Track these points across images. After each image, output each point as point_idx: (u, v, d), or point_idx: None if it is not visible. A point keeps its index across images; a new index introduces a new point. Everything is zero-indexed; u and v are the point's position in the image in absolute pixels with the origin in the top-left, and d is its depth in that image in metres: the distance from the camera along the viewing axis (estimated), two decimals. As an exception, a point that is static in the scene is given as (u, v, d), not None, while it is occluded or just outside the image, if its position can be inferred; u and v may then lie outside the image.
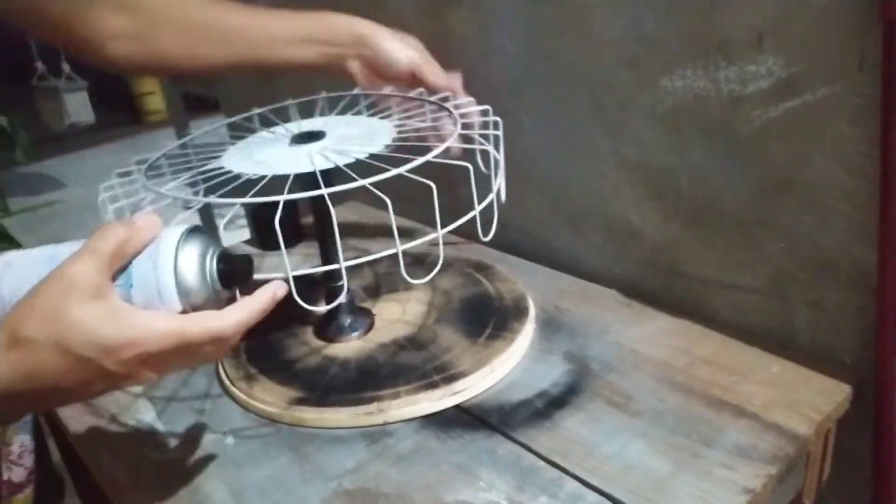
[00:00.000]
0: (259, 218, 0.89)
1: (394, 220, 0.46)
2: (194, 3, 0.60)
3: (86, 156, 3.49)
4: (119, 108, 3.85)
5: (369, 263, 0.79)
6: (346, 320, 0.65)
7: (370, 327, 0.66)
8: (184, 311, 0.39)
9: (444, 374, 0.57)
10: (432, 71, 0.64)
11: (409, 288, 0.72)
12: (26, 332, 0.35)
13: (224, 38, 0.59)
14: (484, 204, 0.52)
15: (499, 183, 0.55)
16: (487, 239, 0.53)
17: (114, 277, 0.38)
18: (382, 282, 0.75)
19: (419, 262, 0.78)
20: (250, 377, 0.60)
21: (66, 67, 3.37)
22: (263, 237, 0.89)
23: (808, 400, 0.53)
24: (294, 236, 0.89)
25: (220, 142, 0.62)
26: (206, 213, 2.01)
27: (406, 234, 0.86)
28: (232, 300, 0.42)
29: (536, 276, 0.75)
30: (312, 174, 0.50)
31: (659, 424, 0.52)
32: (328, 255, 0.62)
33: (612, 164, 0.69)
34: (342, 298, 0.60)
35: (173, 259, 0.38)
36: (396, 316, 0.67)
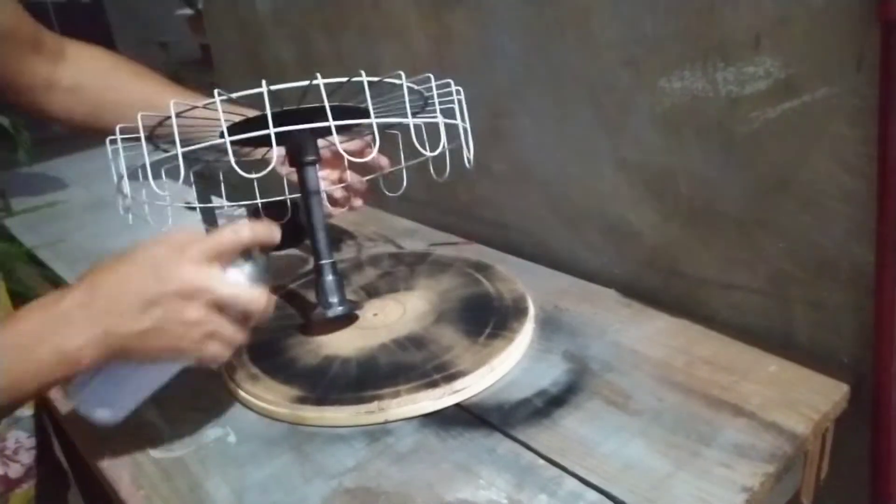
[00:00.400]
0: (259, 217, 0.89)
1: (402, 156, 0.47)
2: (128, 79, 0.68)
3: (88, 156, 3.48)
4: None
5: (370, 263, 0.79)
6: (332, 298, 0.64)
7: (353, 315, 0.66)
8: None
9: (444, 373, 0.57)
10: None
11: (409, 288, 0.73)
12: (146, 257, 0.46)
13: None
14: (437, 152, 0.54)
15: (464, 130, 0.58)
16: (443, 179, 0.55)
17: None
18: (383, 282, 0.75)
19: (421, 261, 0.78)
20: (252, 376, 0.60)
21: (67, 68, 3.37)
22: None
23: (807, 399, 0.53)
24: (294, 237, 0.90)
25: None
26: (209, 213, 2.01)
27: (406, 234, 0.86)
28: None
29: (536, 275, 0.75)
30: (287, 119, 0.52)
31: (658, 423, 0.52)
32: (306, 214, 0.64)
33: (612, 165, 0.69)
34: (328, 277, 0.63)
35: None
36: (397, 315, 0.68)
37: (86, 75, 0.67)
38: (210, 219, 1.22)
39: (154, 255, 0.46)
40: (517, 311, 0.66)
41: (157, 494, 0.50)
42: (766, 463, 0.47)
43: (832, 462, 0.59)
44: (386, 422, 0.55)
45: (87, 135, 0.70)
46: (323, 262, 0.63)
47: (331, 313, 0.63)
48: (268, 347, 0.65)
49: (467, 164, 0.58)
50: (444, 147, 0.55)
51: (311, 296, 0.71)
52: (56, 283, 2.11)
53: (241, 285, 0.48)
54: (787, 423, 0.51)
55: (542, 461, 0.50)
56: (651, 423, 0.52)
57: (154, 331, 0.44)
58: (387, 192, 0.53)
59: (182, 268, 0.45)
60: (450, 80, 0.59)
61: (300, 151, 0.60)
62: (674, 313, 0.66)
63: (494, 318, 0.65)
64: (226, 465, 0.53)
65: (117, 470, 0.53)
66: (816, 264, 0.57)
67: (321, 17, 1.00)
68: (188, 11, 2.40)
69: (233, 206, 0.48)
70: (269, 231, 0.49)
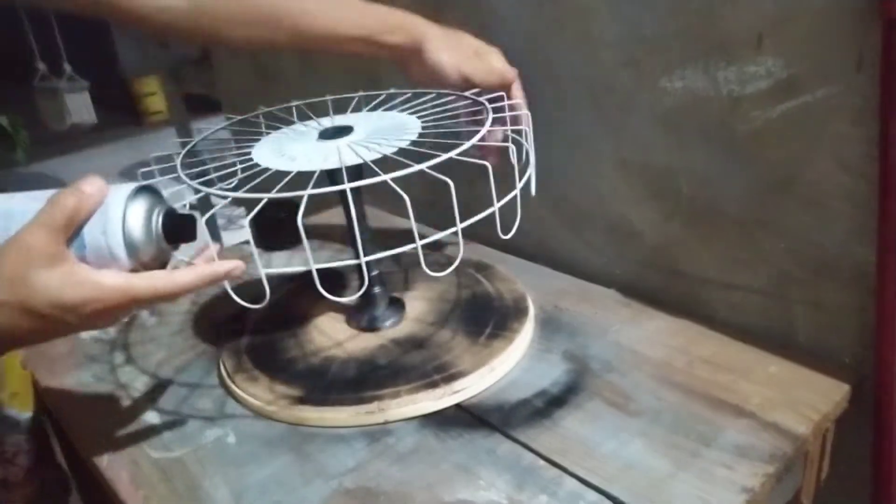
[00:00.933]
0: (259, 218, 0.89)
1: (412, 216, 0.46)
2: None
3: (87, 156, 3.48)
4: (120, 108, 3.85)
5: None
6: (379, 310, 0.66)
7: (402, 317, 0.66)
8: (133, 270, 0.43)
9: (444, 374, 0.57)
10: (482, 74, 0.62)
11: (409, 288, 0.73)
12: None
13: (283, 24, 0.56)
14: (505, 200, 0.52)
15: (527, 176, 0.56)
16: (508, 237, 0.53)
17: (68, 242, 0.41)
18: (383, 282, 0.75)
19: (417, 262, 0.78)
20: (252, 377, 0.60)
21: (67, 68, 3.37)
22: (265, 237, 0.89)
23: (807, 399, 0.53)
24: (294, 237, 0.90)
25: (255, 131, 0.64)
26: (207, 211, 2.01)
27: (406, 234, 0.86)
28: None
29: (536, 276, 0.75)
30: (333, 171, 0.51)
31: (658, 424, 0.52)
32: (355, 249, 0.62)
33: (612, 165, 0.69)
34: (375, 290, 0.63)
35: (121, 218, 0.42)
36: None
37: None
38: (209, 220, 1.22)
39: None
40: (517, 312, 0.65)
41: (155, 495, 0.50)
42: (767, 463, 0.47)
43: (833, 463, 0.58)
44: (386, 422, 0.55)
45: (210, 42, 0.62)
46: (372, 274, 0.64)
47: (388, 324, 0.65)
48: (267, 348, 0.64)
49: (532, 193, 0.56)
50: (527, 188, 0.54)
51: (311, 295, 0.71)
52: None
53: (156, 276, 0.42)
54: (788, 424, 0.51)
55: (542, 462, 0.50)
56: (651, 424, 0.52)
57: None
58: (502, 235, 0.52)
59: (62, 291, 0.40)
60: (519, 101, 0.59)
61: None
62: (674, 313, 0.66)
63: (494, 318, 0.65)
64: (225, 465, 0.52)
65: (116, 470, 0.53)
66: (817, 264, 0.57)
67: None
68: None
69: (227, 193, 0.46)
70: (98, 189, 0.42)
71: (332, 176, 0.53)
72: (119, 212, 0.42)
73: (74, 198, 0.41)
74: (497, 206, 0.50)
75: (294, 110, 0.67)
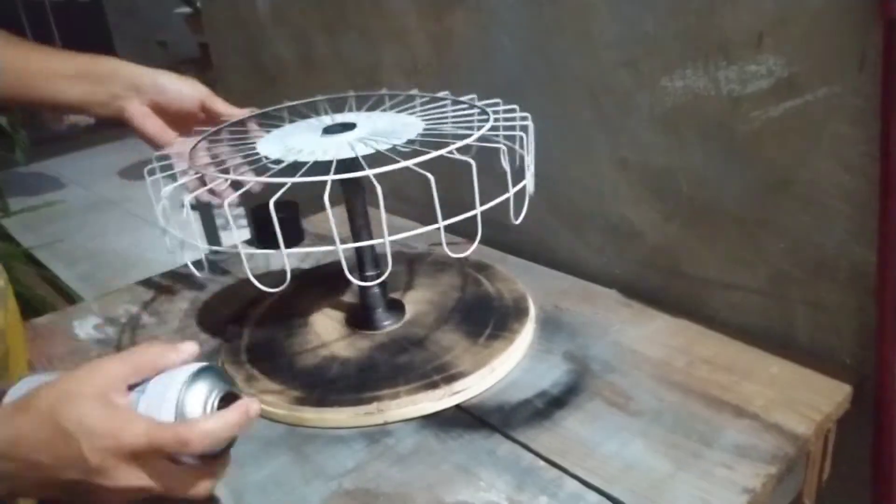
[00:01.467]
0: (259, 218, 0.89)
1: (436, 195, 0.46)
2: None
3: (85, 156, 3.48)
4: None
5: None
6: (379, 311, 0.65)
7: (401, 318, 0.66)
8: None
9: (444, 374, 0.57)
10: (224, 104, 0.64)
11: (409, 288, 0.72)
12: (34, 399, 0.39)
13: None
14: (517, 188, 0.52)
15: (530, 172, 0.56)
16: (518, 221, 0.53)
17: (132, 386, 0.42)
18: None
19: (420, 261, 0.78)
20: (251, 377, 0.60)
21: (66, 68, 3.36)
22: (263, 237, 0.89)
23: (808, 400, 0.53)
24: (295, 236, 0.90)
25: (250, 130, 0.64)
26: (207, 213, 2.01)
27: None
28: None
29: (536, 276, 0.75)
30: (346, 162, 0.51)
31: (659, 424, 0.52)
32: (360, 238, 0.62)
33: (612, 165, 0.69)
34: (374, 290, 0.63)
35: (176, 398, 0.41)
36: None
37: None
38: (208, 220, 1.22)
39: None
40: (517, 312, 0.65)
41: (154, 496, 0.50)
42: (768, 464, 0.47)
43: (834, 463, 0.58)
44: (385, 423, 0.55)
45: None
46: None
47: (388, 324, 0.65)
48: (267, 348, 0.64)
49: (530, 192, 0.56)
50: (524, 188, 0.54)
51: (311, 295, 0.71)
52: (54, 283, 2.11)
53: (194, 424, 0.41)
54: (789, 424, 0.51)
55: (542, 462, 0.50)
56: (652, 424, 0.52)
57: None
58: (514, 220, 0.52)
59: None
60: (515, 107, 0.59)
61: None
62: (674, 313, 0.65)
63: (494, 318, 0.65)
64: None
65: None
66: (817, 264, 0.57)
67: (321, 16, 1.00)
68: (187, 10, 2.40)
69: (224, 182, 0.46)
70: (185, 352, 0.43)
71: (343, 168, 0.54)
72: (176, 390, 0.42)
73: (160, 350, 0.42)
74: (512, 191, 0.51)
75: (286, 111, 0.67)
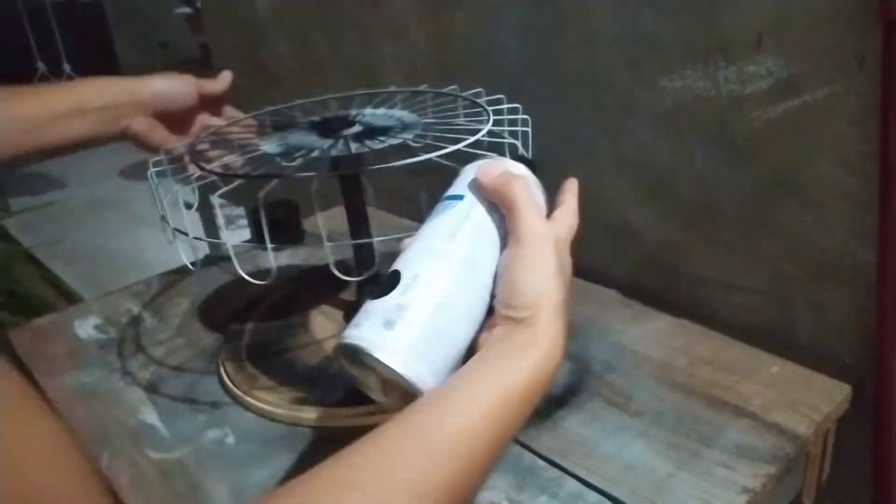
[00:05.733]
0: (259, 217, 0.89)
1: (423, 198, 0.46)
2: None
3: (86, 156, 3.48)
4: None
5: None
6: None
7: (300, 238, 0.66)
8: None
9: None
10: (209, 82, 0.63)
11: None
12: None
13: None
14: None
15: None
16: None
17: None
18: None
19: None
20: (251, 377, 0.60)
21: (67, 68, 3.37)
22: (262, 235, 0.89)
23: (808, 400, 0.53)
24: (295, 237, 0.89)
25: (255, 127, 0.64)
26: (208, 212, 2.01)
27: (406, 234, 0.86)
28: None
29: (537, 276, 0.75)
30: (345, 160, 0.51)
31: (659, 424, 0.52)
32: (360, 237, 0.62)
33: (612, 164, 0.69)
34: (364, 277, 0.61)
35: (535, 179, 0.42)
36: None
37: None
38: (209, 220, 1.22)
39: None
40: (517, 312, 0.65)
41: (155, 495, 0.50)
42: (768, 464, 0.47)
43: (834, 463, 0.58)
44: (386, 422, 0.55)
45: None
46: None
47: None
48: (267, 348, 0.64)
49: None
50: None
51: (311, 295, 0.71)
52: (55, 283, 2.11)
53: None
54: (789, 424, 0.51)
55: (542, 462, 0.50)
56: (652, 424, 0.52)
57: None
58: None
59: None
60: (518, 106, 0.59)
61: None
62: (675, 314, 0.65)
63: (495, 318, 0.64)
64: (224, 465, 0.52)
65: (116, 471, 0.53)
66: (817, 264, 0.57)
67: (321, 16, 1.00)
68: (187, 10, 2.40)
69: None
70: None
71: (337, 164, 0.54)
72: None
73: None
74: None
75: (299, 109, 0.67)
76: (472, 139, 0.51)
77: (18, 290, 1.42)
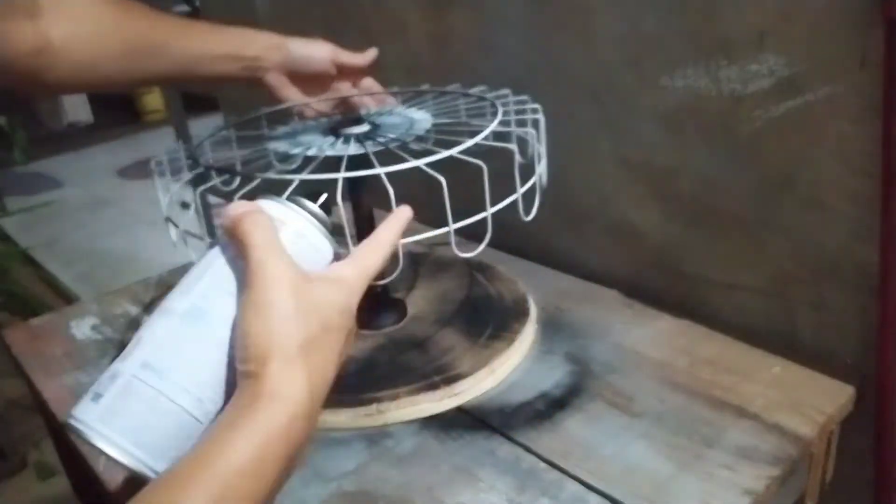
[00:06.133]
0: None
1: (447, 200, 0.46)
2: (118, 16, 0.59)
3: (84, 155, 3.48)
4: (117, 107, 3.84)
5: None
6: (380, 310, 0.65)
7: (402, 318, 0.66)
8: (336, 257, 0.39)
9: (444, 375, 0.57)
10: (349, 53, 0.66)
11: (409, 288, 0.72)
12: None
13: (150, 54, 0.60)
14: (525, 187, 0.52)
15: (541, 169, 0.56)
16: (529, 218, 0.54)
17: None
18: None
19: (421, 261, 0.77)
20: (249, 378, 0.60)
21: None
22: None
23: (811, 401, 0.53)
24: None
25: (261, 129, 0.66)
26: (210, 212, 2.00)
27: (406, 234, 0.85)
28: None
29: (537, 276, 0.75)
30: (355, 160, 0.51)
31: (660, 425, 0.52)
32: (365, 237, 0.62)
33: (614, 164, 0.69)
34: (376, 290, 0.62)
35: (307, 216, 0.37)
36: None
37: (76, 23, 0.57)
38: (211, 220, 1.21)
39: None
40: (518, 313, 0.65)
41: (153, 498, 0.50)
42: (771, 465, 0.47)
43: (837, 464, 0.58)
44: (385, 424, 0.54)
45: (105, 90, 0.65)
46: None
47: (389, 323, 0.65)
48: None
49: (543, 184, 0.56)
50: (537, 177, 0.55)
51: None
52: (52, 283, 2.10)
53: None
54: (792, 426, 0.50)
55: (543, 464, 0.49)
56: (653, 425, 0.52)
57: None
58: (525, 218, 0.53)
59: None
60: (526, 97, 0.59)
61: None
62: (676, 314, 0.65)
63: (495, 319, 0.64)
64: (223, 468, 0.52)
65: (113, 472, 0.53)
66: (820, 264, 0.56)
67: (321, 15, 1.00)
68: (186, 9, 2.40)
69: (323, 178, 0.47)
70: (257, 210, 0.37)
71: (352, 166, 0.54)
72: (301, 212, 0.37)
73: (250, 220, 0.35)
74: (521, 190, 0.51)
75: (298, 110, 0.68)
76: (483, 133, 0.51)
77: (16, 291, 1.42)
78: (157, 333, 0.34)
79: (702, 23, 0.56)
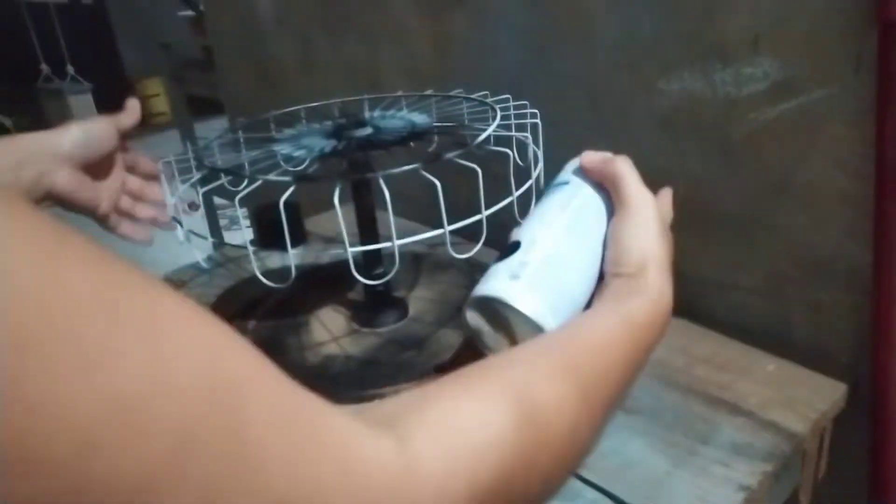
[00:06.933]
0: (262, 218, 0.90)
1: (442, 203, 0.47)
2: None
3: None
4: (124, 110, 3.86)
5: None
6: (381, 309, 0.66)
7: (403, 317, 0.67)
8: None
9: (444, 373, 0.58)
10: (125, 116, 0.61)
11: (411, 287, 0.73)
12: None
13: None
14: (521, 190, 0.53)
15: (538, 172, 0.57)
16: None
17: None
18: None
19: (422, 260, 0.78)
20: (253, 376, 0.61)
21: (70, 70, 3.39)
22: (266, 237, 0.90)
23: (805, 398, 0.53)
24: (297, 237, 0.90)
25: (265, 131, 0.66)
26: (211, 212, 2.02)
27: (406, 234, 0.86)
28: None
29: (536, 276, 0.75)
30: (357, 164, 0.53)
31: (657, 422, 0.52)
32: (370, 240, 0.63)
33: (611, 166, 0.69)
34: (377, 289, 0.63)
35: None
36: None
37: None
38: (213, 219, 1.22)
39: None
40: (517, 312, 0.66)
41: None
42: (765, 462, 0.48)
43: (831, 461, 0.59)
44: (386, 421, 0.55)
45: None
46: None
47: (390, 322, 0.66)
48: (269, 346, 0.65)
49: (541, 188, 0.57)
50: (534, 178, 0.56)
51: (314, 294, 0.72)
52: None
53: None
54: (786, 423, 0.51)
55: (541, 460, 0.50)
56: (650, 422, 0.53)
57: None
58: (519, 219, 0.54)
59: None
60: (526, 103, 0.59)
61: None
62: (673, 313, 0.66)
63: (494, 318, 0.65)
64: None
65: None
66: (813, 265, 0.57)
67: (323, 19, 1.01)
68: (190, 13, 2.41)
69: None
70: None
71: (353, 169, 0.55)
72: None
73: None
74: (516, 194, 0.52)
75: (303, 112, 0.68)
76: (482, 137, 0.52)
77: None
78: (554, 238, 0.43)
79: (697, 26, 0.57)
